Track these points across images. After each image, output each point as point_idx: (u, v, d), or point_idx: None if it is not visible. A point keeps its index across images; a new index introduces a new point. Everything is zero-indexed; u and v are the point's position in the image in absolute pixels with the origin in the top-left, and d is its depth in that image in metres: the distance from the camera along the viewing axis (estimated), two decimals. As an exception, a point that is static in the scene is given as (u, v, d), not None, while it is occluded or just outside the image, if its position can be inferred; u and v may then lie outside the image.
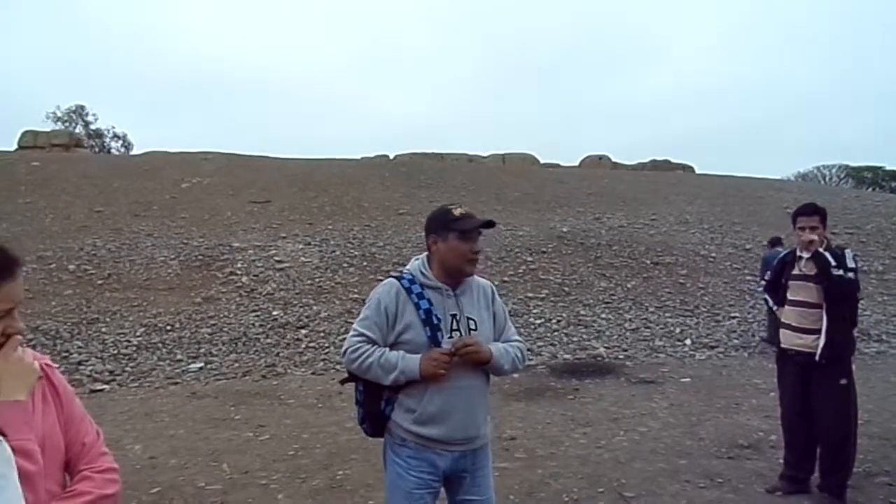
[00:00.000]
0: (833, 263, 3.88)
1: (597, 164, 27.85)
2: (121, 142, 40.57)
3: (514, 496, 4.14)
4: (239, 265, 11.38)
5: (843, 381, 3.95)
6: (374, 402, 2.39)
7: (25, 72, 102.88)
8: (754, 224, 14.61)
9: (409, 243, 12.38)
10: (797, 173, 40.90)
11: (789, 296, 4.12)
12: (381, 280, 2.57)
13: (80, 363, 7.98)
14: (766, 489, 4.18)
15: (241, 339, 8.82)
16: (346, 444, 5.17)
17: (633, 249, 12.71)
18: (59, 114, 39.70)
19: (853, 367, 4.08)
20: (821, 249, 3.96)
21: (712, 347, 8.85)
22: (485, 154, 28.13)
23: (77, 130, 36.71)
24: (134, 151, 34.91)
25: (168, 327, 9.18)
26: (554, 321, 9.51)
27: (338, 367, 7.65)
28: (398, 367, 2.27)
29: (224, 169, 18.74)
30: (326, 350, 8.43)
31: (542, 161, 27.53)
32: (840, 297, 3.90)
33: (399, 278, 2.42)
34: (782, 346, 4.18)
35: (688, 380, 7.36)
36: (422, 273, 2.41)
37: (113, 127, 41.20)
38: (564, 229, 13.73)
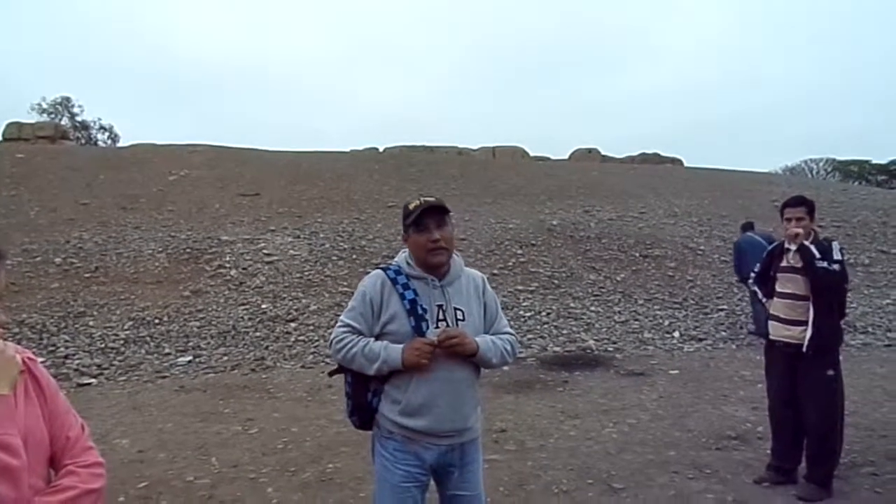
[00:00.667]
0: (818, 256, 3.92)
1: (586, 157, 27.88)
2: (107, 134, 40.28)
3: (504, 488, 4.16)
4: (227, 258, 11.32)
5: (830, 373, 3.98)
6: (362, 394, 2.40)
7: (10, 63, 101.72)
8: (742, 217, 14.61)
9: (399, 236, 12.28)
10: (785, 167, 41.22)
11: (778, 288, 4.15)
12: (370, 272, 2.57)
13: (66, 357, 7.91)
14: (754, 480, 4.23)
15: (229, 332, 8.78)
16: (335, 438, 5.17)
17: (622, 242, 12.74)
18: (44, 105, 39.37)
19: (840, 358, 4.11)
20: (806, 242, 3.99)
21: (701, 339, 8.90)
22: (475, 147, 28.11)
23: (63, 122, 36.35)
24: (121, 143, 34.61)
25: (156, 321, 9.12)
26: (544, 314, 9.53)
27: (327, 360, 7.63)
28: (381, 356, 2.28)
29: (212, 161, 18.60)
30: (316, 343, 8.40)
31: (531, 154, 27.53)
32: (824, 289, 3.94)
33: (385, 269, 2.43)
34: (770, 337, 4.22)
35: (676, 372, 7.40)
36: (408, 264, 2.42)
37: (99, 119, 40.96)
38: (554, 222, 13.74)
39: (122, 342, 8.44)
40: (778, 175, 30.59)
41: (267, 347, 8.35)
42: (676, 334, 9.05)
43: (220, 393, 6.73)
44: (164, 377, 7.47)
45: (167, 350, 8.27)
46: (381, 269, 2.46)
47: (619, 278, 11.22)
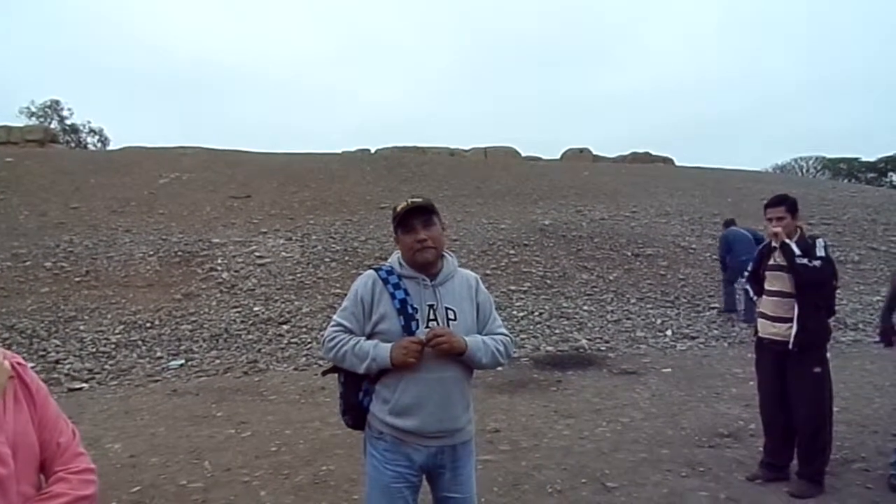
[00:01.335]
0: (798, 252, 3.97)
1: (578, 157, 27.93)
2: (97, 137, 40.02)
3: (499, 488, 4.16)
4: (219, 261, 11.28)
5: (817, 370, 4.01)
6: (353, 393, 2.42)
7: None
8: (733, 215, 14.75)
9: (392, 237, 12.26)
10: (775, 165, 41.54)
11: (766, 286, 4.21)
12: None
13: (57, 362, 7.86)
14: (747, 477, 4.25)
15: (222, 335, 8.74)
16: (329, 440, 5.15)
17: (614, 241, 12.78)
18: (33, 109, 39.07)
19: (828, 355, 4.13)
20: (787, 240, 4.04)
21: (693, 338, 8.93)
22: (466, 148, 28.10)
23: (52, 126, 36.11)
24: (111, 147, 34.46)
25: (148, 324, 9.07)
26: (536, 313, 9.54)
27: (320, 362, 7.61)
28: (370, 354, 2.29)
29: (203, 164, 18.53)
30: (309, 346, 8.38)
31: (523, 154, 27.54)
32: (806, 286, 3.98)
33: (377, 269, 2.44)
34: (759, 334, 4.26)
35: (669, 370, 7.42)
36: (400, 264, 2.43)
37: (89, 122, 40.62)
38: (546, 222, 13.76)
39: (113, 346, 8.39)
40: (768, 173, 30.78)
41: (259, 350, 8.32)
42: (669, 333, 9.08)
43: (212, 396, 6.70)
44: (156, 381, 7.43)
45: (159, 354, 8.23)
46: (374, 269, 2.47)
47: (611, 277, 11.25)
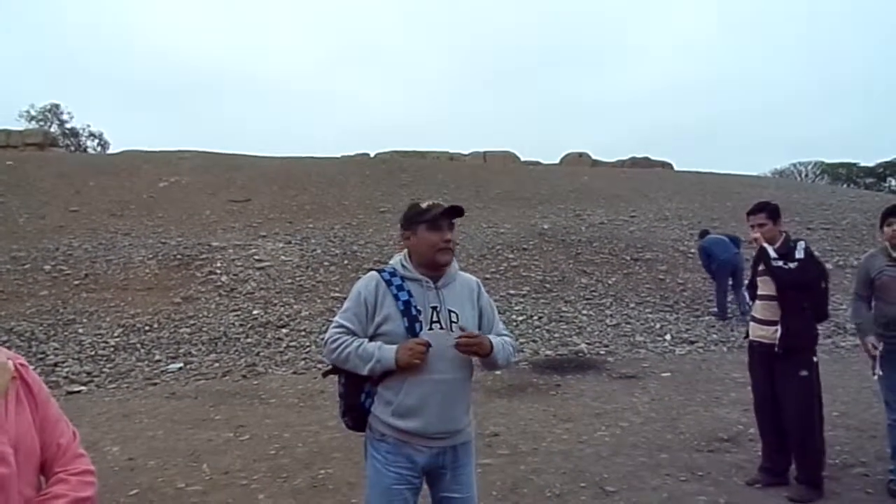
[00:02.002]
0: (774, 256, 4.04)
1: (577, 161, 27.92)
2: (97, 141, 39.87)
3: (497, 492, 4.16)
4: (218, 264, 11.27)
5: (804, 373, 4.04)
6: (355, 395, 2.42)
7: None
8: (732, 220, 14.74)
9: (391, 241, 12.34)
10: (774, 170, 41.48)
11: (759, 291, 4.26)
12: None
13: (56, 365, 7.86)
14: (746, 481, 4.25)
15: (220, 338, 8.74)
16: (327, 443, 5.15)
17: (613, 246, 12.78)
18: (33, 112, 38.91)
19: (815, 359, 4.14)
20: (765, 244, 4.12)
21: (692, 342, 8.93)
22: (466, 152, 28.09)
23: (52, 129, 36.06)
24: (110, 150, 34.38)
25: (146, 328, 9.07)
26: (536, 317, 9.54)
27: (319, 365, 7.61)
28: (375, 356, 2.29)
29: (202, 168, 18.53)
30: (307, 349, 8.38)
31: (522, 159, 27.54)
32: (785, 288, 4.04)
33: (380, 271, 2.45)
34: (750, 338, 4.30)
35: (668, 374, 7.42)
36: (402, 266, 2.44)
37: (88, 126, 40.43)
38: (545, 226, 13.77)
39: (112, 349, 8.38)
40: (767, 178, 30.80)
41: (258, 353, 8.31)
42: (668, 337, 9.08)
43: (211, 399, 6.69)
44: (155, 384, 7.43)
45: (158, 357, 8.22)
46: (377, 270, 2.48)
47: (610, 282, 11.25)
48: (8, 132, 26.30)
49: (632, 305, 10.33)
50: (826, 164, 41.00)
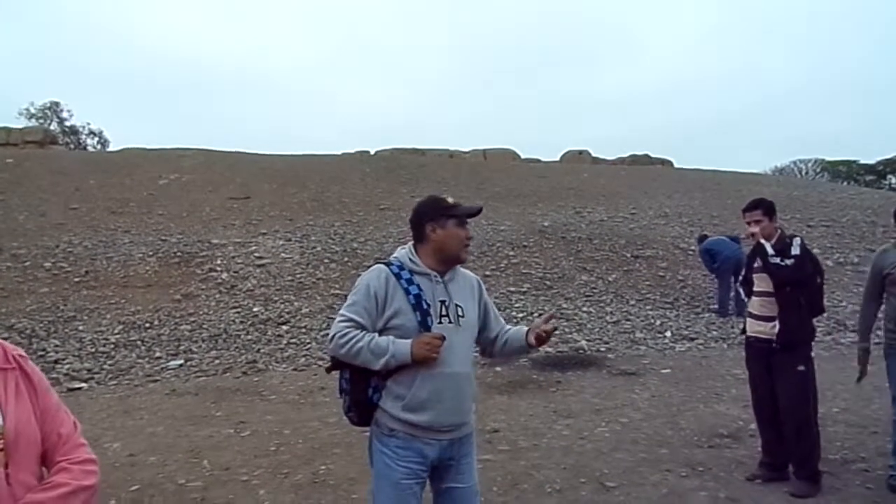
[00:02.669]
0: (771, 252, 4.06)
1: (577, 158, 27.90)
2: (97, 138, 39.88)
3: (498, 488, 4.16)
4: (218, 262, 11.27)
5: (801, 368, 4.07)
6: (361, 390, 2.38)
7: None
8: (733, 217, 14.72)
9: (391, 238, 12.35)
10: (774, 167, 41.42)
11: (755, 287, 4.27)
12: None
13: (56, 361, 7.86)
14: (746, 477, 4.26)
15: (221, 335, 8.74)
16: (328, 439, 5.16)
17: (613, 243, 12.77)
18: (32, 110, 38.92)
19: (812, 354, 4.17)
20: (762, 240, 4.13)
21: (692, 339, 8.93)
22: (465, 149, 28.09)
23: (52, 127, 36.06)
24: (110, 148, 34.36)
25: (147, 325, 9.07)
26: (536, 314, 9.53)
27: (319, 362, 7.61)
28: (389, 350, 2.26)
29: (202, 165, 18.52)
30: (308, 346, 8.38)
31: (522, 156, 27.54)
32: (782, 284, 4.05)
33: (388, 264, 2.43)
34: (747, 333, 4.32)
35: (668, 371, 7.43)
36: (410, 260, 2.43)
37: (88, 123, 40.42)
38: (546, 223, 13.77)
39: (112, 346, 8.39)
40: (767, 175, 30.77)
41: (259, 350, 8.32)
42: (668, 334, 9.08)
43: (211, 396, 6.70)
44: (156, 381, 7.43)
45: (158, 354, 8.22)
46: (384, 263, 2.46)
47: (610, 279, 11.25)
48: (8, 130, 26.31)
49: (632, 302, 10.34)
50: (826, 161, 40.97)
